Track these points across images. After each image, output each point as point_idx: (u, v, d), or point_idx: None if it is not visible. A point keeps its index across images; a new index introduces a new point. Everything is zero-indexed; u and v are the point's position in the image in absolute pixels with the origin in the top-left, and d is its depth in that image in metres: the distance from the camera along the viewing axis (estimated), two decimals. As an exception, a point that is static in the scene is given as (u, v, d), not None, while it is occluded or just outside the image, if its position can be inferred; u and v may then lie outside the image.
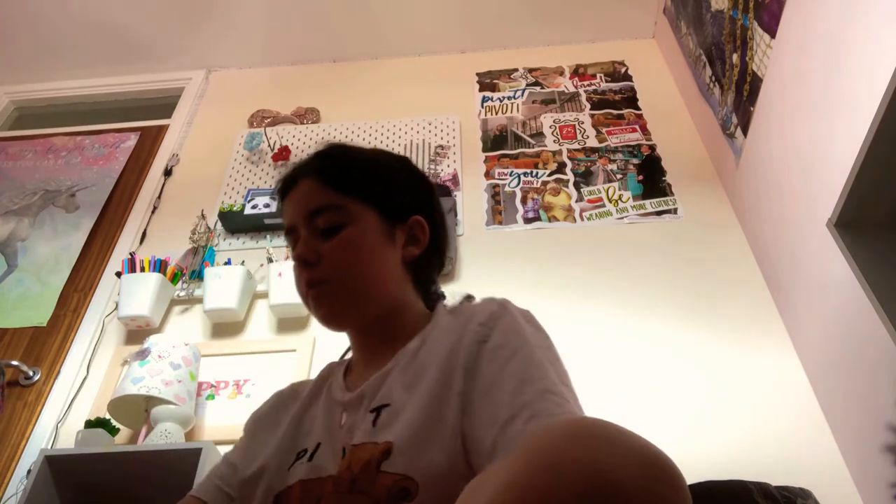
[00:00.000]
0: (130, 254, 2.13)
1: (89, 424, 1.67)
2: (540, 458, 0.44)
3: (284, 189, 0.84)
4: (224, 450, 1.53)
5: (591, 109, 2.61)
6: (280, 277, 1.92)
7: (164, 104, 2.94)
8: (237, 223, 2.23)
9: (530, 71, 2.84)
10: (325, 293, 0.79)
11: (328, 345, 1.89)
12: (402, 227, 0.83)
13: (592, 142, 2.45)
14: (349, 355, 0.91)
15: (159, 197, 2.47)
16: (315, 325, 1.95)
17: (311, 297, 0.80)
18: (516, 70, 2.86)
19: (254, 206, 2.21)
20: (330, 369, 0.90)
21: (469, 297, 0.88)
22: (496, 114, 2.65)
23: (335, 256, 0.78)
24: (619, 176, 2.30)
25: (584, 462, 0.42)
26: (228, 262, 2.05)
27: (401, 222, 0.83)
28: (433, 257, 0.87)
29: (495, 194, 2.29)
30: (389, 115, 2.69)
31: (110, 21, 2.87)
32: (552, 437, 0.46)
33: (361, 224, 0.79)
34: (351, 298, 0.79)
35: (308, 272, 0.79)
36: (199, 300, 2.01)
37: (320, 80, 2.94)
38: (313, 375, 1.91)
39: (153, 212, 2.40)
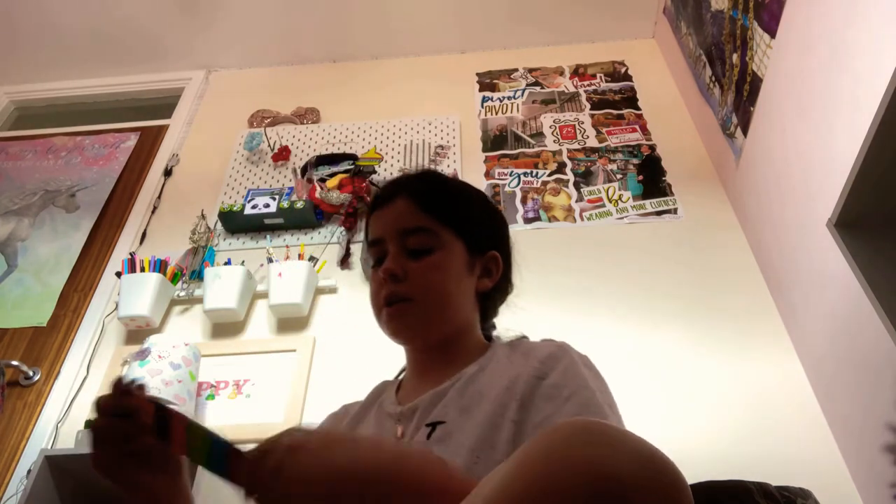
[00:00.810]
0: (130, 254, 2.13)
1: (89, 424, 1.66)
2: (542, 453, 0.45)
3: (380, 202, 0.88)
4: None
5: (591, 109, 2.61)
6: (280, 277, 1.92)
7: (164, 104, 2.94)
8: (237, 223, 2.23)
9: (530, 71, 2.84)
10: (405, 310, 0.82)
11: (328, 345, 1.89)
12: (480, 259, 0.88)
13: (592, 142, 2.45)
14: (403, 375, 0.95)
15: (159, 197, 2.47)
16: (315, 325, 1.95)
17: (387, 311, 0.83)
18: (516, 70, 2.86)
19: (254, 206, 2.21)
20: (383, 386, 0.94)
21: (524, 337, 0.94)
22: (496, 114, 2.65)
23: (422, 277, 0.82)
24: (619, 176, 2.30)
25: (585, 458, 0.42)
26: (228, 262, 2.05)
27: (480, 255, 0.88)
28: (502, 293, 0.94)
29: (495, 194, 2.29)
30: (389, 115, 2.69)
31: (110, 21, 2.87)
32: (555, 434, 0.46)
33: (449, 252, 0.84)
34: (428, 319, 0.83)
35: (392, 287, 0.82)
36: (199, 300, 2.01)
37: (320, 80, 2.94)
38: (313, 375, 1.93)
39: (153, 212, 2.40)
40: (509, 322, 2.01)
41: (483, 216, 0.92)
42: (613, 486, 0.41)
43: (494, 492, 0.45)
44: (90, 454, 0.63)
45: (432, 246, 0.83)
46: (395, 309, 0.82)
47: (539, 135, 2.52)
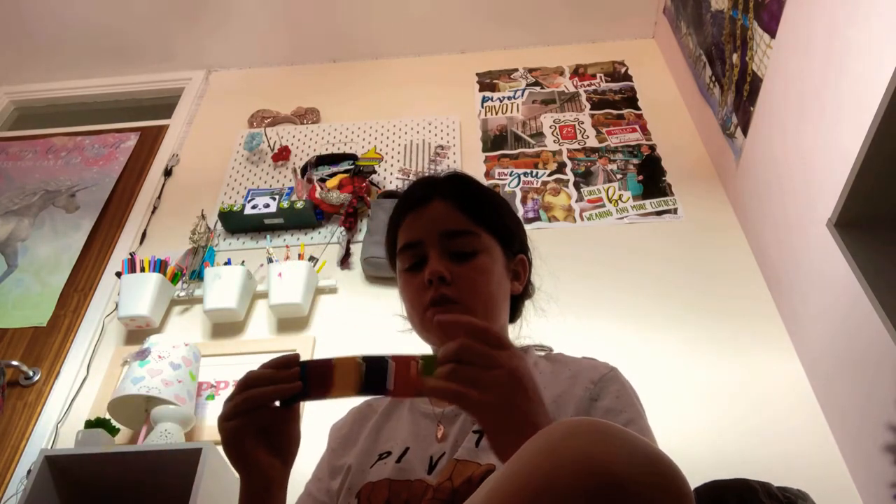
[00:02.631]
0: (130, 254, 2.13)
1: (89, 424, 1.66)
2: (540, 451, 0.45)
3: (413, 204, 0.85)
4: (224, 450, 1.54)
5: (591, 109, 2.61)
6: (280, 277, 1.92)
7: (164, 104, 2.94)
8: (237, 223, 2.23)
9: (530, 71, 2.84)
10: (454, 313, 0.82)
11: (328, 345, 1.89)
12: (512, 262, 0.89)
13: (592, 142, 2.45)
14: None
15: (159, 197, 2.47)
16: (315, 325, 1.95)
17: (435, 313, 0.80)
18: (516, 70, 2.86)
19: (254, 206, 2.21)
20: None
21: (550, 349, 0.95)
22: (496, 114, 2.65)
23: (468, 280, 0.80)
24: (619, 176, 2.30)
25: (583, 455, 0.42)
26: (228, 262, 2.05)
27: (512, 258, 0.89)
28: (526, 296, 0.94)
29: (495, 194, 2.29)
30: (389, 115, 2.69)
31: (110, 21, 2.87)
32: (553, 432, 0.46)
33: (492, 254, 0.84)
34: None
35: (441, 289, 0.79)
36: (199, 300, 2.01)
37: (320, 80, 2.94)
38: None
39: (153, 212, 2.40)
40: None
41: (512, 219, 0.92)
42: (613, 481, 0.41)
43: (495, 488, 0.45)
44: (224, 419, 0.64)
45: (476, 249, 0.82)
46: (444, 310, 0.78)
47: (539, 135, 2.52)
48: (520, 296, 0.92)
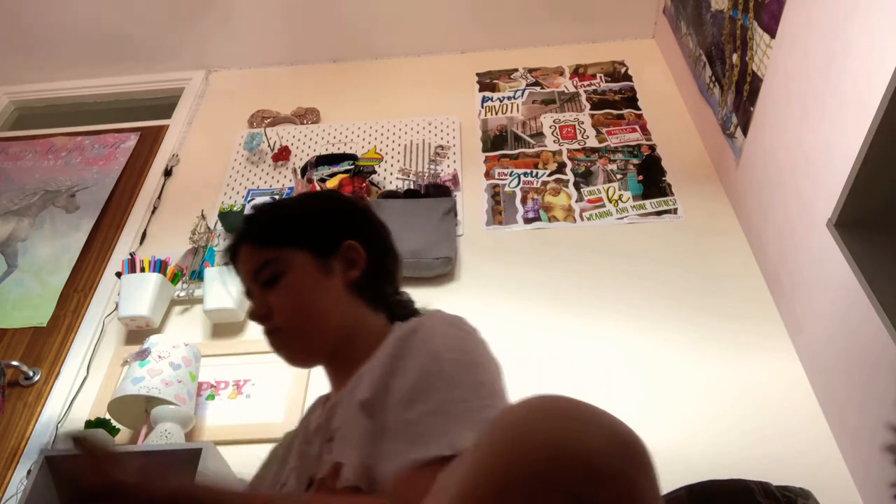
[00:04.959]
0: (130, 254, 2.13)
1: (89, 424, 1.67)
2: (504, 437, 0.44)
3: (232, 259, 0.91)
4: (224, 450, 1.54)
5: (591, 109, 2.61)
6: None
7: (164, 104, 2.93)
8: (237, 223, 2.21)
9: (530, 71, 2.84)
10: (280, 341, 0.85)
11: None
12: (336, 256, 0.88)
13: (592, 142, 2.45)
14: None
15: (159, 197, 2.47)
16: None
17: (272, 346, 0.86)
18: (516, 70, 2.86)
19: (254, 207, 2.20)
20: (318, 402, 0.94)
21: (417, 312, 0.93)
22: (496, 114, 2.65)
23: (281, 304, 0.84)
24: (619, 176, 2.30)
25: (549, 438, 0.42)
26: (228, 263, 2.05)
27: (334, 253, 0.88)
28: (379, 272, 0.91)
29: (495, 194, 2.29)
30: (389, 115, 2.69)
31: (110, 21, 2.87)
32: (515, 415, 0.45)
33: (297, 268, 0.85)
34: (302, 340, 0.85)
35: (265, 325, 0.85)
36: (199, 300, 2.00)
37: (320, 80, 2.94)
38: (313, 376, 1.92)
39: (153, 212, 2.40)
40: (510, 323, 2.01)
41: (320, 217, 0.91)
42: (580, 464, 0.40)
43: (462, 481, 0.44)
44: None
45: (281, 270, 0.85)
46: (272, 342, 0.85)
47: (539, 135, 2.52)
48: (368, 277, 0.88)
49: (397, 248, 0.95)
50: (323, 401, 0.91)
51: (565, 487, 0.40)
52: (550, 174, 2.34)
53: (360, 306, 0.87)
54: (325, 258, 0.87)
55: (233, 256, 0.91)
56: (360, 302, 0.88)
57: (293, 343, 0.85)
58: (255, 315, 0.86)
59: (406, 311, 0.92)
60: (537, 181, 2.32)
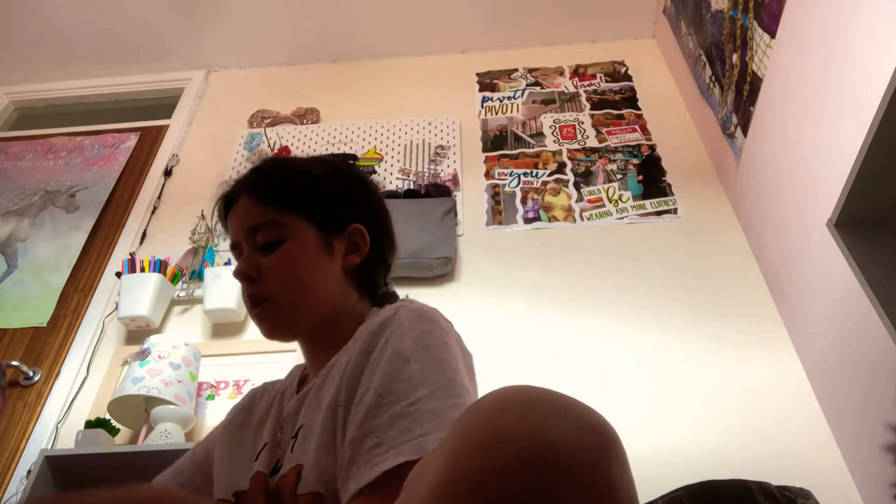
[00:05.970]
0: (130, 254, 2.13)
1: (89, 424, 1.66)
2: (475, 431, 0.43)
3: (226, 206, 0.86)
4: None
5: (591, 109, 2.60)
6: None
7: (164, 104, 2.93)
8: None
9: (530, 71, 2.84)
10: (267, 310, 0.81)
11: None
12: (341, 237, 0.84)
13: (592, 142, 2.45)
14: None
15: (159, 197, 2.47)
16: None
17: (254, 314, 0.82)
18: (516, 70, 2.86)
19: (254, 207, 2.20)
20: (294, 373, 0.91)
21: (392, 299, 0.89)
22: (496, 114, 2.65)
23: (275, 272, 0.80)
24: (619, 176, 2.30)
25: (521, 431, 0.41)
26: (228, 263, 2.05)
27: (340, 232, 0.84)
28: (378, 262, 0.88)
29: (495, 194, 2.29)
30: (389, 115, 2.69)
31: (110, 21, 2.87)
32: (485, 408, 0.44)
33: (300, 239, 0.81)
34: (290, 314, 0.81)
35: (250, 288, 0.81)
36: (199, 300, 2.00)
37: (320, 80, 2.94)
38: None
39: (153, 212, 2.40)
40: (509, 323, 2.00)
41: (334, 191, 0.86)
42: (554, 457, 0.39)
43: (433, 481, 0.43)
44: None
45: (282, 237, 0.80)
46: (259, 311, 0.81)
47: (539, 135, 2.52)
48: (366, 266, 0.86)
49: (397, 242, 0.92)
50: (300, 379, 0.87)
51: (538, 477, 0.39)
52: (550, 174, 2.34)
53: (351, 292, 0.85)
54: (330, 237, 0.83)
55: (227, 203, 0.85)
56: (353, 288, 0.85)
57: (279, 315, 0.81)
58: (241, 274, 0.81)
59: (389, 302, 0.89)
60: (537, 181, 2.32)
